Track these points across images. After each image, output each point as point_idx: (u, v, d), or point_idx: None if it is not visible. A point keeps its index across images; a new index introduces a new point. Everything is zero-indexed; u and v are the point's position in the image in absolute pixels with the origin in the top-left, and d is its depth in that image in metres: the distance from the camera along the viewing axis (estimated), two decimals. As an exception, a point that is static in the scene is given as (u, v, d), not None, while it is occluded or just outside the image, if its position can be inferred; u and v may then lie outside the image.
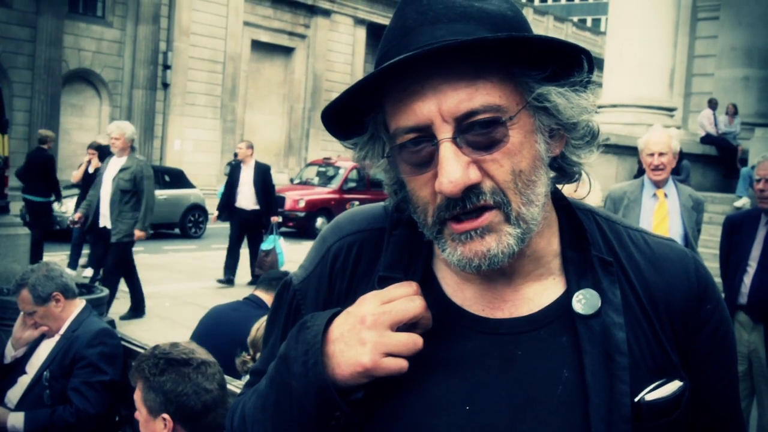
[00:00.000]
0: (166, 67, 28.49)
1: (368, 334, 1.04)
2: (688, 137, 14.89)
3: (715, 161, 15.22)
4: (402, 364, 1.04)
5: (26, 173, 12.30)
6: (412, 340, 1.05)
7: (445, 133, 1.02)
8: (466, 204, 1.03)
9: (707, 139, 15.24)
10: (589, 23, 63.16)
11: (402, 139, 1.06)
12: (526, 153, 1.05)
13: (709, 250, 10.84)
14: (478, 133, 1.02)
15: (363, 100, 1.09)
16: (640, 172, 9.75)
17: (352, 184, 20.75)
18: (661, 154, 5.15)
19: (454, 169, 1.00)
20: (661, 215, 5.26)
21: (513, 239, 1.05)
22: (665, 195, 5.29)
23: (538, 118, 1.07)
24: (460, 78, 1.01)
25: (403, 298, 1.07)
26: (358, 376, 1.04)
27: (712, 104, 15.82)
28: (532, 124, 1.07)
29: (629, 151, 11.28)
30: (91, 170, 11.42)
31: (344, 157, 21.93)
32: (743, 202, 12.64)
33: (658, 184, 5.27)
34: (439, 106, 1.01)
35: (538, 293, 1.15)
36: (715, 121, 15.49)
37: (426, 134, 1.03)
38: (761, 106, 17.08)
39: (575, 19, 57.28)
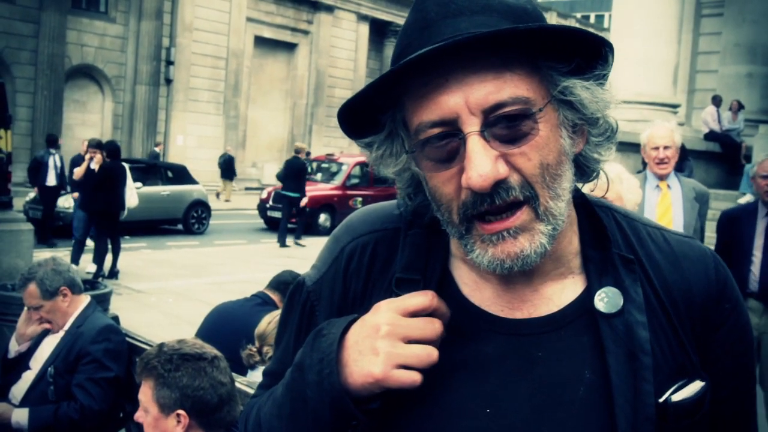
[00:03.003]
0: (169, 62, 28.50)
1: (382, 343, 1.01)
2: (692, 134, 14.85)
3: (719, 158, 15.18)
4: (414, 377, 1.01)
5: (285, 175, 17.20)
6: (427, 353, 1.02)
7: (472, 126, 0.99)
8: (495, 200, 1.00)
9: (711, 136, 15.21)
10: (592, 19, 63.05)
11: (425, 134, 1.03)
12: (553, 147, 1.03)
13: (713, 247, 10.81)
14: (506, 126, 1.00)
15: (381, 97, 1.07)
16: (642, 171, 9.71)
17: (355, 181, 20.72)
18: (665, 147, 5.16)
19: (483, 162, 0.98)
20: (664, 206, 5.27)
21: (545, 237, 1.03)
22: (668, 187, 5.30)
23: (562, 112, 1.06)
24: (487, 70, 0.99)
25: (425, 320, 1.04)
26: (370, 387, 1.02)
27: (716, 101, 15.78)
28: (557, 118, 1.05)
29: (633, 147, 11.20)
30: (94, 167, 11.43)
31: (347, 153, 21.93)
32: (747, 199, 12.58)
33: (662, 178, 5.27)
34: (466, 99, 0.99)
35: (557, 293, 1.13)
36: (719, 118, 15.46)
37: (451, 128, 1.01)
38: (765, 102, 17.04)
39: (579, 15, 57.21)
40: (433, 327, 1.03)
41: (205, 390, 2.59)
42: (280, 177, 18.03)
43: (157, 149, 26.45)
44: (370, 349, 1.02)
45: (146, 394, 2.62)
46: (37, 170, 14.95)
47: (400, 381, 1.01)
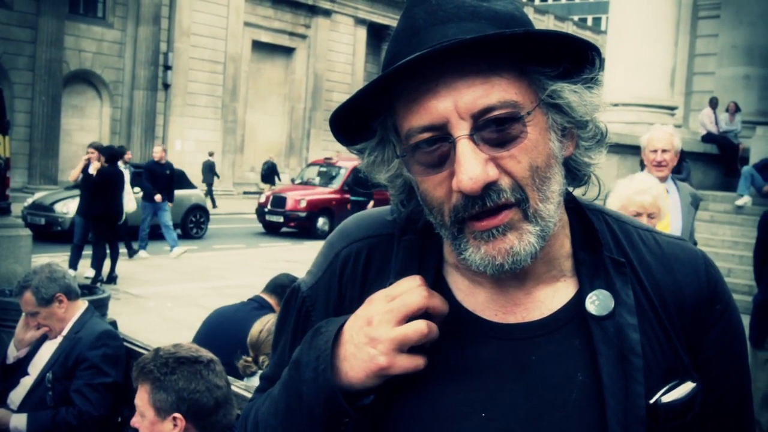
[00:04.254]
0: (167, 67, 28.51)
1: (376, 332, 1.03)
2: (690, 136, 14.86)
3: (717, 160, 15.20)
4: (418, 361, 1.03)
5: (354, 182, 19.33)
6: (416, 327, 1.03)
7: (461, 130, 1.00)
8: (485, 202, 1.01)
9: (708, 138, 15.23)
10: (589, 22, 63.17)
11: (415, 139, 1.04)
12: (542, 150, 1.04)
13: (711, 249, 10.84)
14: (495, 130, 1.01)
15: (372, 103, 1.08)
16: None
17: (353, 184, 20.75)
18: (664, 150, 5.20)
19: (473, 165, 0.99)
20: None
21: (534, 237, 1.04)
22: (667, 191, 5.33)
23: (551, 116, 1.07)
24: (475, 75, 1.00)
25: (404, 294, 1.05)
26: (374, 376, 1.03)
27: (713, 103, 15.80)
28: (546, 122, 1.06)
29: (630, 150, 11.23)
30: (92, 171, 11.42)
31: (345, 157, 21.93)
32: (745, 201, 12.63)
33: (660, 181, 5.31)
34: (455, 103, 1.00)
35: (550, 296, 1.14)
36: (716, 120, 15.48)
37: (441, 133, 1.02)
38: (762, 104, 17.05)
39: (576, 18, 57.35)
40: (414, 296, 1.04)
41: (201, 393, 2.60)
42: (349, 184, 20.01)
43: (211, 158, 27.22)
44: (366, 341, 1.03)
45: (142, 398, 2.62)
46: None
47: (404, 366, 1.03)
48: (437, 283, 1.15)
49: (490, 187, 1.01)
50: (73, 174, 12.17)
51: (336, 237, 1.26)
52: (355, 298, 1.18)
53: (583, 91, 1.07)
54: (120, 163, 13.79)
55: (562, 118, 1.08)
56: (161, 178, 14.63)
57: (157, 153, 15.03)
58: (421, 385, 1.07)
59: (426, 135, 1.03)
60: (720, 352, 1.16)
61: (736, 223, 12.39)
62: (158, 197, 14.38)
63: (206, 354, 2.73)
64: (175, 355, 2.65)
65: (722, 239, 11.95)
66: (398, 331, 1.03)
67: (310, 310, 1.22)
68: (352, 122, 1.12)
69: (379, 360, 1.02)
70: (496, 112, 1.00)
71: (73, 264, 11.39)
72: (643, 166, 5.78)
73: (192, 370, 2.62)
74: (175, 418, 2.57)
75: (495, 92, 1.00)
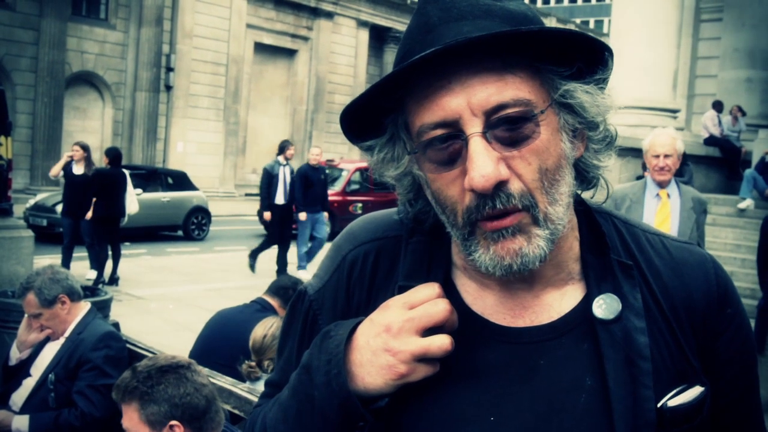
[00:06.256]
0: (169, 69, 28.50)
1: (396, 341, 1.02)
2: (692, 139, 14.85)
3: (719, 163, 15.20)
4: (435, 367, 1.04)
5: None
6: (441, 342, 1.03)
7: (474, 127, 1.00)
8: (495, 204, 1.01)
9: (710, 141, 15.23)
10: (591, 25, 63.19)
11: (428, 135, 1.04)
12: (553, 151, 1.04)
13: (713, 252, 10.82)
14: (508, 129, 1.00)
15: (383, 100, 1.08)
16: (642, 176, 9.71)
17: (355, 186, 20.72)
18: (666, 156, 5.20)
19: (485, 163, 0.98)
20: (663, 215, 5.31)
21: (543, 241, 1.03)
22: (668, 195, 5.33)
23: (562, 116, 1.06)
24: (489, 72, 1.00)
25: (427, 303, 1.05)
26: (393, 383, 1.03)
27: (717, 106, 15.79)
28: (557, 122, 1.06)
29: (632, 152, 11.23)
30: (77, 172, 11.31)
31: (347, 159, 21.94)
32: (747, 204, 12.62)
33: (662, 185, 5.31)
34: (468, 100, 1.00)
35: (558, 299, 1.13)
36: (719, 123, 15.47)
37: (453, 130, 1.02)
38: (764, 107, 17.07)
39: (578, 20, 57.35)
40: (437, 308, 1.04)
41: (191, 395, 2.60)
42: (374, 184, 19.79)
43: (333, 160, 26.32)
44: (386, 349, 1.03)
45: (132, 418, 2.59)
46: (270, 185, 12.38)
47: (423, 374, 1.03)
48: (446, 286, 1.14)
49: (501, 187, 1.00)
50: (54, 170, 11.79)
51: (343, 239, 1.25)
52: (362, 301, 1.18)
53: (595, 91, 1.07)
54: (281, 158, 12.43)
55: (574, 119, 1.07)
56: (318, 186, 12.67)
57: (314, 156, 12.78)
58: (430, 388, 1.06)
59: (438, 131, 1.03)
60: (732, 356, 1.16)
61: (738, 226, 12.37)
62: (303, 216, 12.40)
63: (183, 358, 2.76)
64: (155, 366, 2.65)
65: (724, 242, 11.94)
66: (422, 343, 1.03)
67: (317, 314, 1.21)
68: (362, 119, 1.11)
69: (400, 368, 1.02)
70: (509, 110, 1.00)
71: (65, 265, 11.33)
72: (645, 168, 5.78)
73: (176, 375, 2.63)
74: (172, 426, 2.56)
75: (509, 90, 1.00)
